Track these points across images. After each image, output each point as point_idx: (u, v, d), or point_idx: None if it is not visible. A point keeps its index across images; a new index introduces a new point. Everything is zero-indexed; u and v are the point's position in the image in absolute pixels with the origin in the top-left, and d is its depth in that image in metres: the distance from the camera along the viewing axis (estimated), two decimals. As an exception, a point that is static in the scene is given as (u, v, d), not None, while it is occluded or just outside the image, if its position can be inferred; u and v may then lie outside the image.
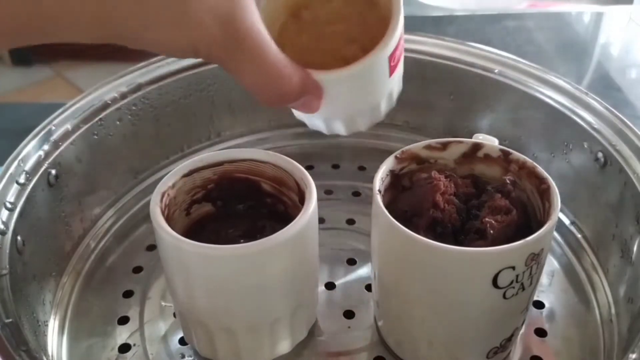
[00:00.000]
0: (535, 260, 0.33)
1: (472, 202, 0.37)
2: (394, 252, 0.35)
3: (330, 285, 0.45)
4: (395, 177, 0.38)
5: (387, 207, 0.34)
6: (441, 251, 0.32)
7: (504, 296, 0.33)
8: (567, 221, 0.48)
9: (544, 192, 0.35)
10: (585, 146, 0.45)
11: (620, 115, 0.44)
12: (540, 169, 0.37)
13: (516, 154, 0.38)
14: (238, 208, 0.42)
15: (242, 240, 0.38)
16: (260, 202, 0.41)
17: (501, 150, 0.38)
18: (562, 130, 0.47)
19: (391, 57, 0.34)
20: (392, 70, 0.35)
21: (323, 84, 0.34)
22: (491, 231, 0.34)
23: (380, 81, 0.35)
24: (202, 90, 0.53)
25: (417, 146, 0.39)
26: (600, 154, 0.43)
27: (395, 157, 0.38)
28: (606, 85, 0.71)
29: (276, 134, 0.56)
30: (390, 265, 0.36)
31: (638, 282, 0.38)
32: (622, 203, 0.41)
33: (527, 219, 0.36)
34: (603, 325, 0.41)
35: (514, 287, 0.33)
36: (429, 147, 0.39)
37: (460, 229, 0.36)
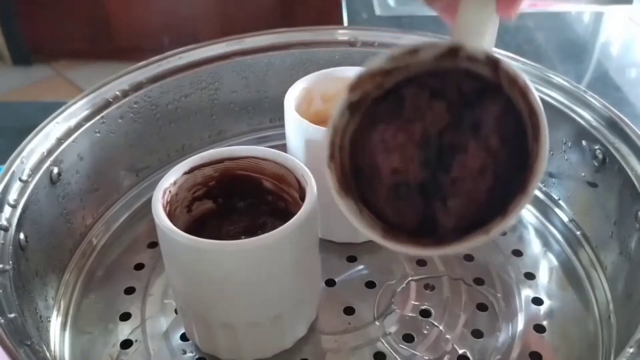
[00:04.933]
0: None
1: (445, 136, 0.30)
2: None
3: (330, 282, 0.45)
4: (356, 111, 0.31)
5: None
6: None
7: None
8: (565, 219, 0.48)
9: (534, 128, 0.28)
10: (584, 144, 0.45)
11: (619, 113, 0.44)
12: (534, 96, 0.27)
13: (506, 64, 0.28)
14: (239, 205, 0.42)
15: (243, 237, 0.39)
16: (261, 199, 0.41)
17: (487, 56, 0.28)
18: (561, 129, 0.47)
19: None
20: None
21: None
22: (448, 225, 0.30)
23: None
24: (203, 89, 0.54)
25: (379, 61, 0.30)
26: (598, 152, 0.44)
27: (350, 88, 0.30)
28: (606, 85, 0.72)
29: (277, 132, 0.56)
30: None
31: (636, 278, 0.39)
32: (621, 200, 0.42)
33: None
34: (602, 321, 0.42)
35: None
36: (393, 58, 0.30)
37: (431, 180, 0.30)
